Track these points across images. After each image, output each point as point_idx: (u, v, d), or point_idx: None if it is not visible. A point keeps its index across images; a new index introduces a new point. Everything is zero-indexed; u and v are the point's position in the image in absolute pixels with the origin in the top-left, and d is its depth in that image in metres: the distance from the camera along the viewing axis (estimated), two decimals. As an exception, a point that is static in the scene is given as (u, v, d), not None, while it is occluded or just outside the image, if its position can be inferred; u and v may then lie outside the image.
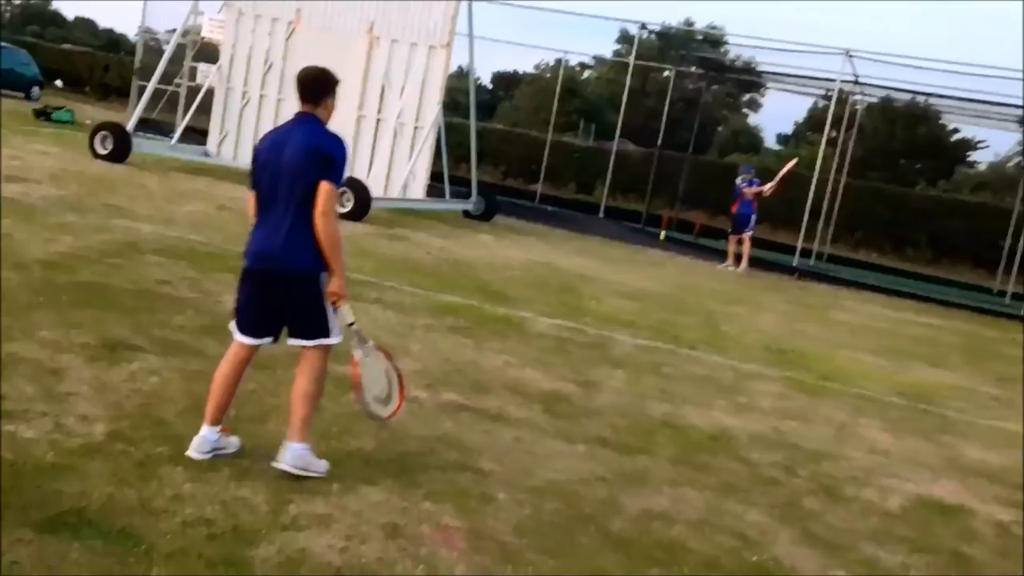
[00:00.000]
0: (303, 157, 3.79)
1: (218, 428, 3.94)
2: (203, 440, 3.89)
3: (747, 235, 16.26)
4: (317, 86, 3.94)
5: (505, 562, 3.47)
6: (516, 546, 3.62)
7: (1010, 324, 15.74)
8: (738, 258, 16.29)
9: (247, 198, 4.05)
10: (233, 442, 4.01)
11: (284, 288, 3.88)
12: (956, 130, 33.37)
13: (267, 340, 4.02)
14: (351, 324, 4.05)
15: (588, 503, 4.22)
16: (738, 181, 16.54)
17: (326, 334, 3.95)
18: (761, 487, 4.89)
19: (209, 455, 3.87)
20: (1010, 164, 33.77)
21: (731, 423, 6.04)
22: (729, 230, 16.81)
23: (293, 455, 3.84)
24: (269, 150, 3.91)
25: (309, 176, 3.77)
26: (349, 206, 13.54)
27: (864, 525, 4.59)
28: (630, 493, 4.44)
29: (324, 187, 3.77)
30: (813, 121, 33.47)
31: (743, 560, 3.89)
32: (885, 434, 6.50)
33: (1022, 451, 6.59)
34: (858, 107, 23.60)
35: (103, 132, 15.46)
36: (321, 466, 3.91)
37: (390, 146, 16.12)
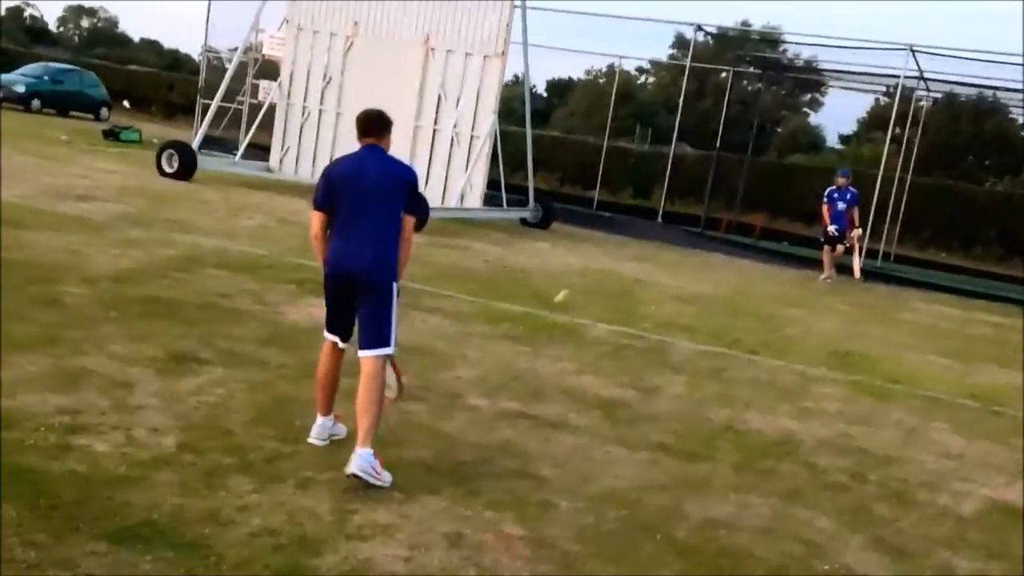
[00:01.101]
0: (390, 184, 4.28)
1: (331, 416, 4.39)
2: (320, 428, 4.36)
3: (841, 248, 15.10)
4: (381, 123, 4.44)
5: (568, 570, 3.46)
6: (579, 554, 3.61)
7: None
8: (848, 268, 15.31)
9: (313, 216, 4.32)
10: (341, 429, 4.43)
11: (367, 293, 4.20)
12: (1025, 123, 32.38)
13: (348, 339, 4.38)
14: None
15: (650, 511, 4.18)
16: (841, 182, 15.08)
17: (387, 343, 4.19)
18: (829, 493, 4.79)
19: (327, 441, 4.34)
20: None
21: (796, 428, 5.94)
22: (822, 239, 15.44)
23: (361, 460, 3.91)
24: (348, 175, 4.31)
25: (396, 202, 4.26)
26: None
27: (937, 531, 4.47)
28: (693, 500, 4.39)
29: (411, 220, 4.34)
30: (875, 119, 32.77)
31: (812, 568, 3.82)
32: (956, 437, 6.32)
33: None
34: (922, 103, 23.05)
35: (169, 150, 15.85)
36: (386, 476, 3.98)
37: (447, 156, 16.23)
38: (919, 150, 22.47)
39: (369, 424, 4.02)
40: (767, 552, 3.90)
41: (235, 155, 17.66)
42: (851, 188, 15.21)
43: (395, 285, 4.24)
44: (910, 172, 21.80)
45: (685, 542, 3.89)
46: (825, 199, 15.26)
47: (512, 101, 24.24)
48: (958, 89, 23.01)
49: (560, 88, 45.44)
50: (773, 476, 4.94)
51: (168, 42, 64.42)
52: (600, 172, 24.81)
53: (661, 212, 22.76)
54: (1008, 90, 20.08)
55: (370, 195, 4.22)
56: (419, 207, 4.50)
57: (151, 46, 57.50)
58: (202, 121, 17.95)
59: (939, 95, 24.15)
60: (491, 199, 16.70)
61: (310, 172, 17.09)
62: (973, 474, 5.52)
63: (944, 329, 11.86)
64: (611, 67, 35.13)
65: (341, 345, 4.37)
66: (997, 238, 24.98)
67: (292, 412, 4.49)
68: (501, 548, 3.54)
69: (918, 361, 9.12)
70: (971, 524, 4.65)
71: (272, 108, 17.72)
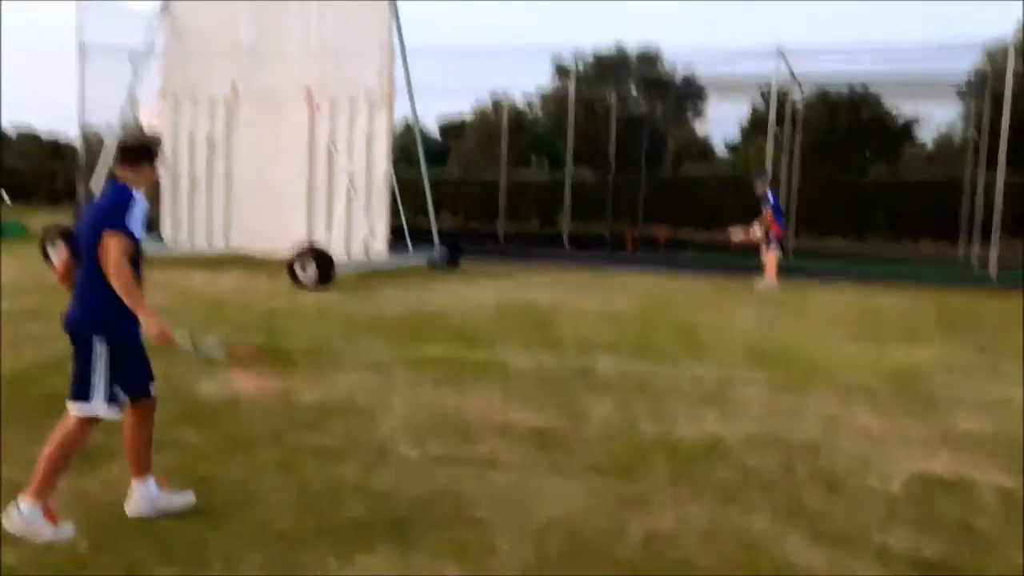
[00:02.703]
0: (95, 221, 3.93)
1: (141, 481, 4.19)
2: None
3: (770, 253, 15.36)
4: (122, 152, 4.08)
5: (516, 610, 3.39)
6: (525, 592, 3.55)
7: (979, 291, 15.91)
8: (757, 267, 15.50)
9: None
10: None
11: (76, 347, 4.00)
12: (897, 110, 33.97)
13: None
14: (193, 347, 4.17)
15: (591, 535, 4.15)
16: (762, 190, 15.44)
17: (81, 397, 3.96)
18: (762, 491, 4.85)
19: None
20: (955, 136, 34.36)
21: (723, 431, 6.01)
22: (774, 245, 15.51)
23: (17, 513, 3.85)
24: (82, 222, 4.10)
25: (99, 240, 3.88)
26: (314, 276, 13.48)
27: (870, 513, 4.56)
28: (633, 518, 4.37)
29: (108, 239, 3.85)
30: (757, 123, 33.91)
31: (755, 568, 3.84)
32: (876, 418, 6.49)
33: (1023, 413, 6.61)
34: (798, 103, 23.96)
35: (53, 236, 15.33)
36: (46, 530, 3.84)
37: (345, 208, 16.11)
38: (802, 148, 23.32)
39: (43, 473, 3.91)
40: (710, 560, 3.91)
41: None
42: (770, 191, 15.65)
43: (98, 341, 3.90)
44: (797, 170, 22.58)
45: (629, 561, 3.87)
46: (771, 204, 15.46)
47: (409, 145, 24.26)
48: (830, 86, 24.03)
49: (453, 127, 45.68)
50: (708, 482, 4.97)
51: (42, 124, 62.27)
52: (502, 204, 25.00)
53: (567, 236, 23.04)
54: (876, 79, 21.04)
55: (83, 240, 3.93)
56: (112, 224, 3.85)
57: (28, 140, 55.63)
58: (85, 203, 17.44)
59: (811, 92, 25.16)
60: (398, 244, 16.62)
61: (206, 243, 16.75)
62: (896, 452, 5.66)
63: (850, 314, 12.24)
64: (497, 102, 35.48)
65: (107, 415, 4.01)
66: (887, 222, 26.06)
67: (214, 492, 4.32)
68: (446, 598, 3.46)
69: (831, 349, 9.38)
70: (901, 501, 4.76)
71: (158, 182, 17.34)
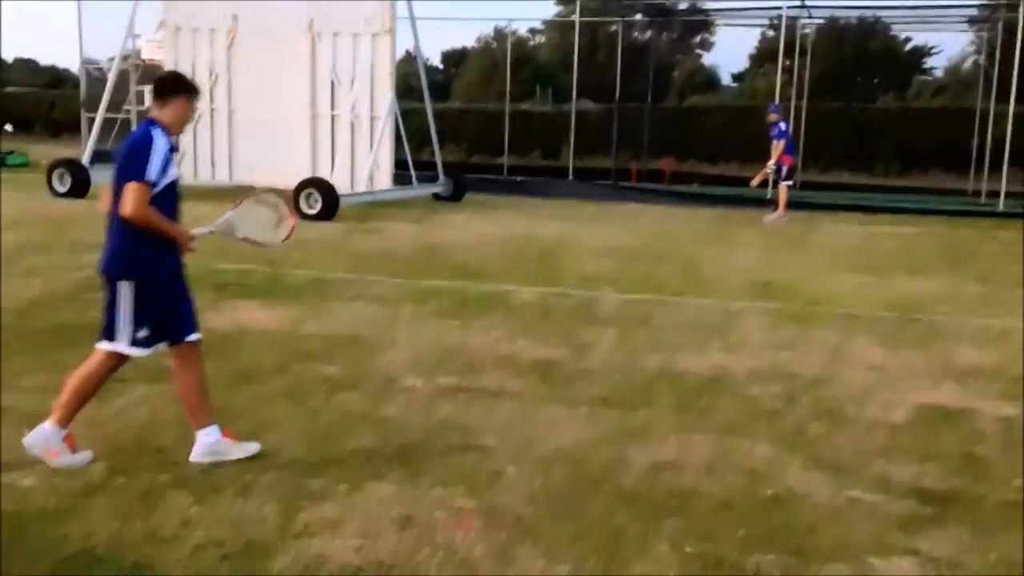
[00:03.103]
0: (121, 163, 3.90)
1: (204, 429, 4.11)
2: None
3: (782, 185, 15.24)
4: (157, 88, 4.05)
5: (523, 535, 3.46)
6: (531, 517, 3.62)
7: (986, 223, 15.85)
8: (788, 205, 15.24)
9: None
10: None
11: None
12: (908, 39, 33.43)
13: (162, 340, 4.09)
14: (212, 231, 4.19)
15: (596, 464, 4.21)
16: (774, 119, 15.25)
17: (108, 337, 3.99)
18: (765, 421, 4.90)
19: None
20: (965, 65, 33.83)
21: (727, 363, 6.05)
22: (785, 177, 15.32)
23: (36, 436, 3.92)
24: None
25: (123, 181, 3.84)
26: (317, 207, 13.45)
27: (872, 442, 4.61)
28: (636, 448, 4.43)
29: (128, 188, 3.80)
30: (765, 52, 33.39)
31: (757, 495, 3.90)
32: (879, 349, 6.53)
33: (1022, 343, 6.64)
34: (807, 31, 23.54)
35: (59, 170, 15.27)
36: (66, 459, 3.89)
37: (349, 141, 15.99)
38: (811, 77, 22.97)
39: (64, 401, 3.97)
40: (712, 487, 3.98)
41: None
42: (782, 123, 15.45)
43: (122, 283, 3.89)
44: (804, 100, 22.29)
45: (633, 490, 3.93)
46: (785, 136, 15.26)
47: (410, 77, 23.95)
48: (839, 13, 23.58)
49: (455, 59, 45.07)
50: (710, 413, 5.02)
51: (44, 59, 61.67)
52: (506, 138, 24.76)
53: (571, 169, 22.85)
54: (887, 7, 20.65)
55: (113, 181, 3.89)
56: (130, 171, 3.80)
57: (26, 65, 55.04)
58: (89, 136, 17.31)
59: (822, 21, 24.70)
60: (401, 179, 16.54)
61: (210, 174, 16.67)
62: (899, 383, 5.71)
63: (855, 247, 12.22)
64: (500, 32, 34.95)
65: (132, 353, 4.00)
66: (895, 153, 25.81)
67: (224, 420, 4.36)
68: (453, 524, 3.53)
69: (835, 281, 9.39)
70: (903, 431, 4.81)
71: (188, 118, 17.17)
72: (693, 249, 11.55)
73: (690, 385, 5.54)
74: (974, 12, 22.80)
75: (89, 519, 3.44)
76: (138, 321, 3.92)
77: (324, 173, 15.26)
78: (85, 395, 4.02)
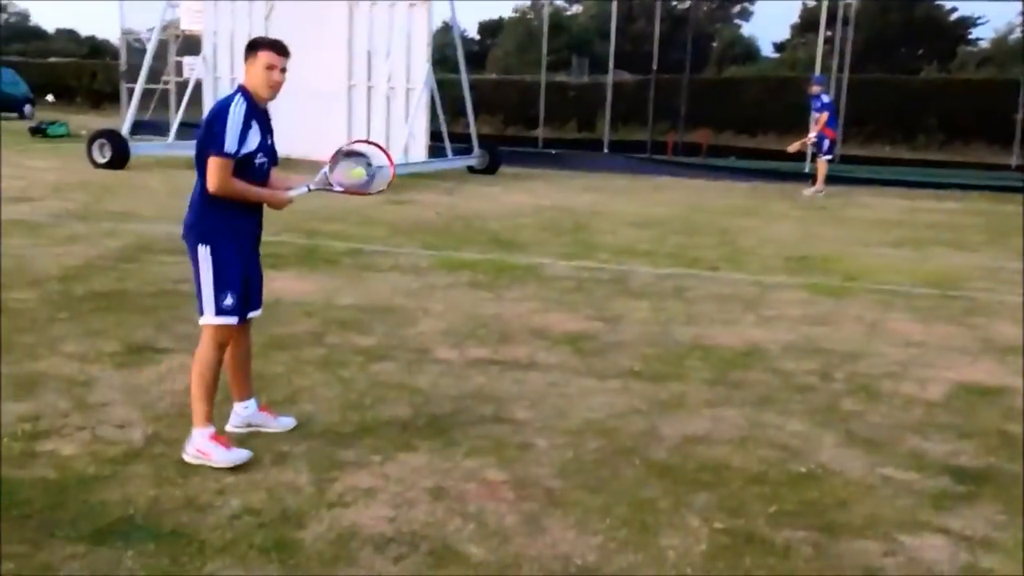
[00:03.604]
0: (202, 130, 3.75)
1: (244, 402, 4.14)
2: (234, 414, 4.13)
3: (822, 159, 15.10)
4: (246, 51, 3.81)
5: (553, 506, 3.49)
6: (562, 489, 3.64)
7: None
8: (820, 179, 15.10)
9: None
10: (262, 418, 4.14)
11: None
12: (954, 9, 32.67)
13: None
14: (310, 188, 4.02)
15: (627, 436, 4.22)
16: (816, 91, 15.06)
17: (200, 312, 3.81)
18: (799, 395, 4.87)
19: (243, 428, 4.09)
20: (1012, 36, 33.00)
21: (761, 337, 6.01)
22: (827, 152, 15.20)
23: (187, 443, 3.78)
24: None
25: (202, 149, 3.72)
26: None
27: (907, 419, 4.57)
28: (668, 420, 4.44)
29: (209, 161, 3.66)
30: (806, 22, 32.79)
31: (789, 471, 3.89)
32: (916, 325, 6.45)
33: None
34: (851, 1, 23.05)
35: (99, 140, 15.45)
36: (219, 455, 3.70)
37: (385, 111, 16.00)
38: (853, 47, 22.53)
39: (192, 401, 3.80)
40: (745, 461, 3.97)
41: (168, 137, 17.26)
42: (824, 94, 15.21)
43: (200, 247, 3.73)
44: (846, 71, 21.88)
45: (664, 462, 3.94)
46: (828, 107, 15.04)
47: (446, 48, 23.85)
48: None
49: (491, 29, 44.84)
50: (743, 386, 5.00)
51: (84, 30, 62.21)
52: (542, 109, 24.61)
53: (607, 142, 22.70)
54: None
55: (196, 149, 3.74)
56: (209, 143, 3.65)
57: (67, 35, 55.64)
58: (129, 106, 17.49)
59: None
60: (436, 150, 16.53)
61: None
62: (936, 359, 5.64)
63: (894, 221, 12.03)
64: (536, 1, 34.61)
65: (221, 322, 3.80)
66: (938, 125, 25.30)
67: (260, 388, 4.43)
68: (485, 494, 3.56)
69: (872, 255, 9.26)
70: (939, 408, 4.76)
71: (199, 84, 17.29)
72: (728, 222, 11.45)
73: (723, 358, 5.51)
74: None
75: (128, 487, 3.51)
76: (220, 287, 3.74)
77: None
78: (210, 383, 3.79)
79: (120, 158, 15.27)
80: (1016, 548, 3.27)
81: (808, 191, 14.91)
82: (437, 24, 19.11)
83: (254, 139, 3.71)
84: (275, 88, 3.76)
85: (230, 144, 3.63)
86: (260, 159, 3.77)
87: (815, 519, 3.44)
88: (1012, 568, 3.14)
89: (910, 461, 4.03)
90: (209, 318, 3.78)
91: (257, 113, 3.74)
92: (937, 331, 6.31)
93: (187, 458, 3.74)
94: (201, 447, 3.74)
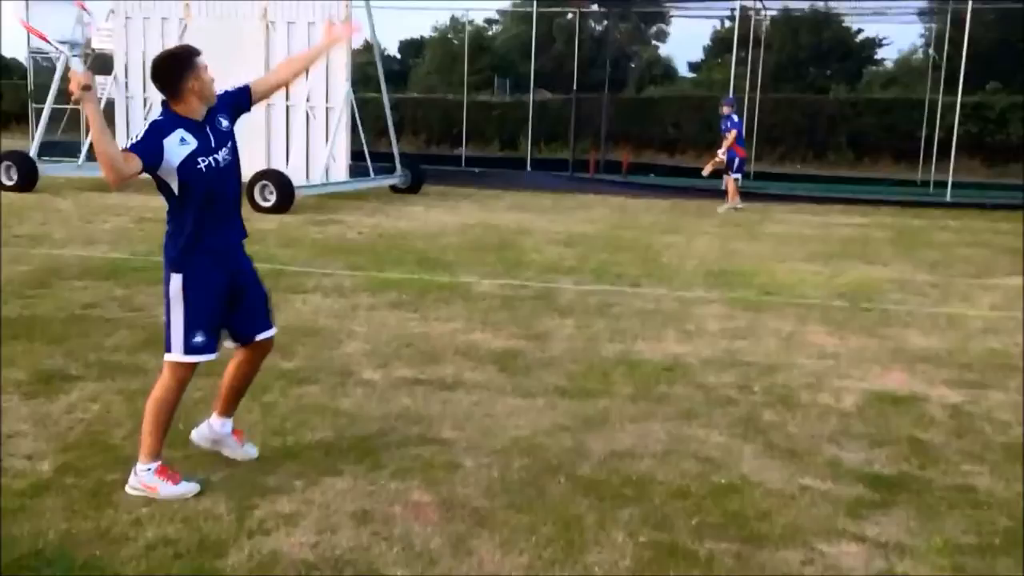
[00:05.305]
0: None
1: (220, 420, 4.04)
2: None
3: (730, 177, 15.41)
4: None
5: (480, 526, 3.47)
6: (488, 509, 3.62)
7: (936, 211, 16.15)
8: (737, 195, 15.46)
9: None
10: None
11: None
12: (860, 31, 33.91)
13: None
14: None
15: (554, 454, 4.23)
16: (727, 111, 15.32)
17: (168, 347, 3.68)
18: (720, 408, 4.96)
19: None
20: (915, 56, 34.40)
21: (683, 351, 6.11)
22: (733, 170, 15.57)
23: (134, 474, 3.64)
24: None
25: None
26: (272, 199, 13.31)
27: (823, 428, 4.69)
28: (594, 436, 4.46)
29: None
30: (720, 43, 33.66)
31: (712, 483, 3.95)
32: (831, 337, 6.64)
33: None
34: (763, 22, 23.77)
35: (5, 162, 14.93)
36: (168, 490, 3.59)
37: (304, 131, 15.83)
38: (765, 68, 23.22)
39: (143, 434, 3.68)
40: (668, 475, 4.02)
41: (79, 158, 16.76)
42: (733, 115, 15.56)
43: (173, 276, 3.60)
44: (758, 90, 22.52)
45: (590, 478, 3.96)
46: (735, 127, 15.36)
47: (367, 66, 23.78)
48: (792, 4, 23.83)
49: (413, 48, 44.82)
50: (667, 401, 5.07)
51: (-10, 50, 59.86)
52: (464, 128, 24.70)
53: (529, 160, 22.89)
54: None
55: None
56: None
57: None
58: (37, 127, 16.95)
59: (775, 12, 24.96)
60: (358, 169, 16.42)
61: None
62: (850, 369, 5.81)
63: (808, 236, 12.39)
64: (455, 20, 34.76)
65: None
66: (847, 143, 26.21)
67: (179, 416, 4.32)
68: (411, 517, 3.53)
69: (788, 270, 9.51)
70: (853, 417, 4.89)
71: (111, 103, 16.86)
72: (650, 238, 11.63)
73: (647, 373, 5.58)
74: (923, 4, 23.22)
75: (38, 520, 3.37)
76: (192, 323, 3.61)
77: (279, 164, 15.10)
78: (161, 420, 3.69)
79: (28, 180, 14.78)
80: (928, 552, 3.37)
81: (722, 208, 15.25)
82: (358, 42, 19.02)
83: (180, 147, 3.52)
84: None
85: (171, 159, 3.49)
86: (202, 162, 3.56)
87: (737, 530, 3.50)
88: (925, 572, 3.24)
89: (827, 470, 4.13)
90: (176, 355, 3.63)
91: (185, 122, 3.57)
92: (851, 342, 6.51)
93: (131, 491, 3.61)
94: (147, 481, 3.61)
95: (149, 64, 16.48)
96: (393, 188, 16.86)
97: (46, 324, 6.29)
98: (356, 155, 16.40)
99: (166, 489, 3.59)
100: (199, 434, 4.02)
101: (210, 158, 3.60)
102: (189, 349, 3.63)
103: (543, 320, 6.91)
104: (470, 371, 5.52)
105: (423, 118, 29.05)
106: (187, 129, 3.57)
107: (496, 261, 9.54)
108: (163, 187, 3.61)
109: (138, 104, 16.63)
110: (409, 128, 27.46)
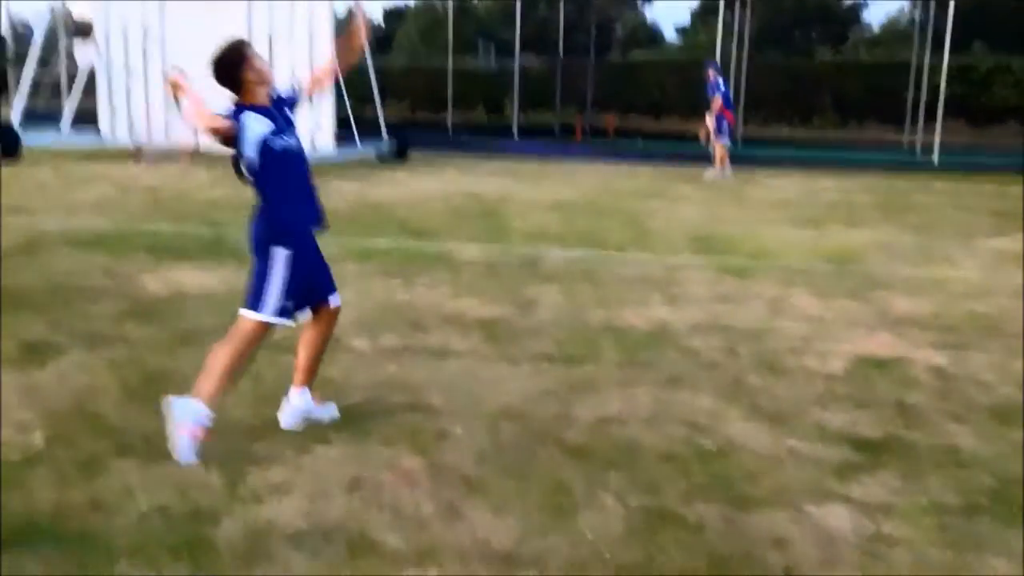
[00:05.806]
0: None
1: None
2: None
3: (719, 142, 15.29)
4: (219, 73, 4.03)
5: (470, 492, 3.50)
6: (478, 475, 3.65)
7: (921, 174, 16.21)
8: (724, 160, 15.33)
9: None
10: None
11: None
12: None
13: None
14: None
15: (541, 420, 4.26)
16: (712, 76, 15.19)
17: (254, 307, 3.87)
18: (706, 373, 5.00)
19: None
20: (901, 19, 34.28)
21: (669, 317, 6.14)
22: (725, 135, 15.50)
23: (183, 408, 3.75)
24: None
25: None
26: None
27: (808, 392, 4.74)
28: (581, 402, 4.49)
29: None
30: (707, 6, 33.41)
31: (698, 446, 3.99)
32: (817, 300, 6.68)
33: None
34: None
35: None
36: (188, 451, 3.71)
37: (288, 98, 15.68)
38: (751, 31, 23.10)
39: (207, 376, 3.84)
40: (655, 439, 4.05)
41: (61, 127, 16.58)
42: (719, 79, 15.47)
43: (279, 250, 3.89)
44: (745, 53, 22.43)
45: (579, 444, 3.99)
46: (722, 92, 15.24)
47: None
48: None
49: (397, 15, 44.33)
50: (653, 366, 5.10)
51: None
52: (450, 95, 24.52)
53: (516, 126, 22.78)
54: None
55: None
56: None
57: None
58: (17, 96, 16.74)
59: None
60: (343, 137, 16.31)
61: (146, 137, 16.25)
62: (836, 333, 5.85)
63: (793, 200, 12.42)
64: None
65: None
66: (833, 105, 26.19)
67: (165, 385, 4.31)
68: (401, 483, 3.55)
69: (774, 234, 9.54)
70: (839, 380, 4.94)
71: (93, 72, 16.66)
72: (635, 205, 11.63)
73: (633, 339, 5.61)
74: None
75: (29, 491, 3.38)
76: (287, 291, 3.87)
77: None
78: (231, 371, 3.89)
79: (10, 149, 14.60)
80: (913, 512, 3.43)
81: (709, 173, 15.24)
82: (341, 11, 18.83)
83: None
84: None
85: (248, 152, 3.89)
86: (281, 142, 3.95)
87: (724, 493, 3.54)
88: (910, 532, 3.29)
89: (813, 433, 4.18)
90: (267, 315, 3.84)
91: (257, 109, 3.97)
92: (836, 306, 6.55)
93: (175, 432, 3.67)
94: (195, 425, 3.69)
95: (130, 30, 16.34)
96: (380, 159, 16.77)
97: (29, 293, 6.25)
98: (341, 122, 16.28)
99: (187, 449, 3.66)
100: (288, 418, 4.11)
101: (288, 140, 4.00)
102: (279, 312, 3.88)
103: (529, 287, 6.92)
104: (457, 338, 5.53)
105: (408, 85, 28.82)
106: (261, 114, 3.93)
107: (482, 228, 9.53)
108: (250, 167, 3.90)
109: (119, 72, 16.44)
110: (394, 95, 27.22)
